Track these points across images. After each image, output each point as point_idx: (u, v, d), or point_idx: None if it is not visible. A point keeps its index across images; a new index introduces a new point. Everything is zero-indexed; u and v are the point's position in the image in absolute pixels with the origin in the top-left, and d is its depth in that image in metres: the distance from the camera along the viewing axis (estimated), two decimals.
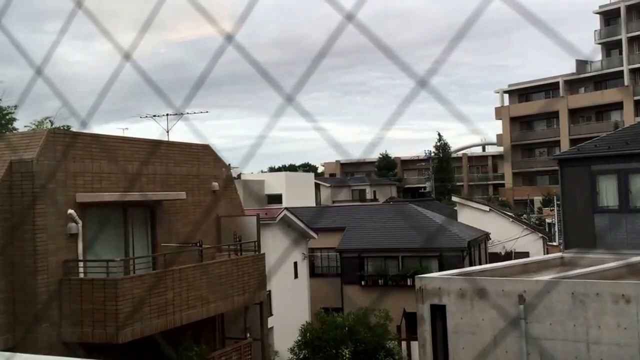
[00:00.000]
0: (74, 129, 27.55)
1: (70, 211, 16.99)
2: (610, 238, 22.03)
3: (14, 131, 33.83)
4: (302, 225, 32.89)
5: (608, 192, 22.70)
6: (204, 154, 22.87)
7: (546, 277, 15.95)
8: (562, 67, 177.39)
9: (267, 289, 25.53)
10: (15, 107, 36.62)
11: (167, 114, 40.43)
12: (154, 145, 20.92)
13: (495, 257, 40.62)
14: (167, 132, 40.78)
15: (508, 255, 41.49)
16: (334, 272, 39.53)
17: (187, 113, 39.27)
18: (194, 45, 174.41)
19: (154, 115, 39.37)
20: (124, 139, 20.02)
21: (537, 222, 60.09)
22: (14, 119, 37.12)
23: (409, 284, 33.58)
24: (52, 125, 35.89)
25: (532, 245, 43.67)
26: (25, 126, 36.59)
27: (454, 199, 52.61)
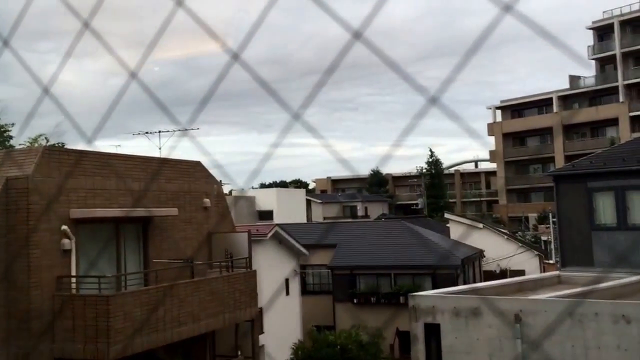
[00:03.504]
0: (68, 146, 27.89)
1: (64, 227, 17.19)
2: (608, 256, 22.23)
3: (11, 148, 34.17)
4: (293, 241, 33.07)
5: (605, 209, 22.86)
6: (195, 170, 23.08)
7: (543, 296, 16.13)
8: (553, 82, 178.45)
9: (259, 306, 25.68)
10: (13, 124, 37.26)
11: (159, 131, 40.79)
12: (146, 162, 21.11)
13: (490, 275, 40.81)
14: (159, 148, 41.01)
15: (503, 274, 41.66)
16: (325, 289, 39.65)
17: (180, 130, 39.45)
18: (185, 63, 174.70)
19: (147, 132, 39.67)
20: (117, 156, 20.27)
21: (532, 239, 60.29)
22: (11, 137, 37.80)
23: (401, 302, 33.74)
24: (47, 143, 36.28)
25: (527, 263, 43.84)
26: (20, 144, 37.03)
27: (447, 215, 52.83)
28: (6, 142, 37.25)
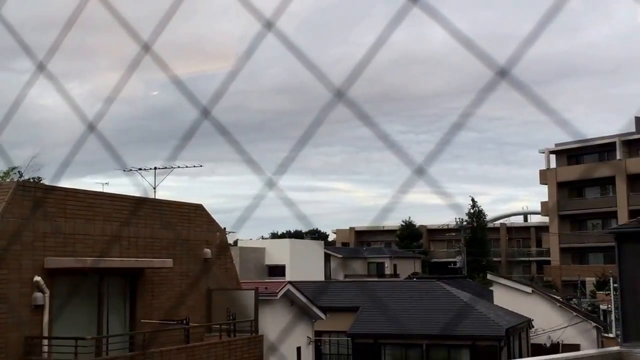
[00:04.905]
0: (45, 182, 27.85)
1: (37, 278, 16.99)
2: None
3: None
4: (307, 302, 32.78)
5: None
6: (195, 215, 22.93)
7: None
8: (616, 125, 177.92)
9: None
10: None
11: (155, 167, 40.43)
12: (137, 203, 20.98)
13: (538, 350, 40.28)
14: (154, 188, 40.86)
15: (554, 348, 41.14)
16: None
17: (179, 167, 39.30)
18: (188, 86, 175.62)
19: (140, 169, 39.38)
20: (103, 195, 20.13)
21: (589, 308, 59.62)
22: None
23: None
24: (20, 177, 36.28)
25: (583, 336, 43.27)
26: None
27: (490, 277, 52.39)
28: None
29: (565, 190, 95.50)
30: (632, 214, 74.84)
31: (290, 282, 32.99)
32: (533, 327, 43.22)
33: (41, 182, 30.91)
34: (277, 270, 55.09)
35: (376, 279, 66.67)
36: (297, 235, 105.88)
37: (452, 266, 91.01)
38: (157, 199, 23.63)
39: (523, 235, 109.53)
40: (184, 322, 21.04)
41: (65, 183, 18.10)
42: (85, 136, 3.72)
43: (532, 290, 47.19)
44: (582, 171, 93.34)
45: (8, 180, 34.92)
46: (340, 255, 79.91)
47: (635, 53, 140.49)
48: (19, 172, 37.64)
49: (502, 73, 2.13)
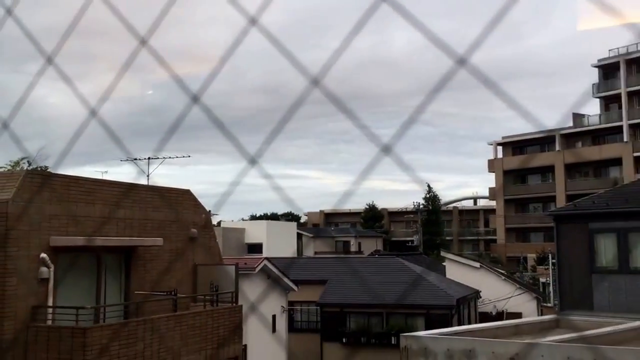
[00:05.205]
0: (51, 171, 27.85)
1: (43, 255, 17.06)
2: (608, 300, 22.15)
3: None
4: (281, 276, 32.93)
5: (607, 251, 22.81)
6: (183, 199, 22.99)
7: (540, 340, 16.03)
8: (555, 121, 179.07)
9: (243, 343, 25.47)
10: None
11: (149, 157, 40.59)
12: (132, 189, 21.02)
13: (485, 317, 40.67)
14: (148, 176, 40.90)
15: (499, 316, 41.55)
16: (314, 327, 39.43)
17: (169, 157, 39.76)
18: (176, 87, 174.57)
19: (135, 159, 39.45)
20: (102, 182, 20.16)
21: (530, 281, 60.21)
22: None
23: (393, 342, 33.52)
24: (29, 166, 36.20)
25: (525, 305, 43.76)
26: (0, 167, 36.88)
27: (443, 253, 52.79)
28: None
29: (511, 177, 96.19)
30: (569, 198, 75.50)
31: (266, 258, 33.11)
32: (481, 297, 43.64)
33: (47, 170, 30.87)
34: (256, 248, 55.18)
35: (342, 256, 66.85)
36: (273, 217, 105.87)
37: (409, 244, 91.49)
38: (150, 185, 23.68)
39: (473, 217, 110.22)
40: (173, 293, 21.14)
41: (68, 171, 18.13)
42: (88, 121, 3.80)
43: (480, 265, 47.61)
44: (525, 160, 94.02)
45: (18, 169, 34.84)
46: (311, 235, 79.99)
47: (571, 57, 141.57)
48: (27, 161, 37.55)
49: (461, 61, 2.21)
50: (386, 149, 2.34)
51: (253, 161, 2.74)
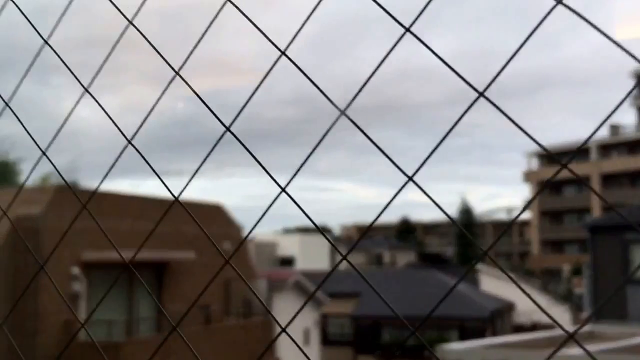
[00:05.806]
0: (81, 185, 28.08)
1: (75, 270, 17.17)
2: None
3: (21, 185, 34.53)
4: (314, 289, 32.92)
5: None
6: (216, 213, 23.07)
7: (574, 350, 15.85)
8: (591, 130, 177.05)
9: (276, 356, 25.46)
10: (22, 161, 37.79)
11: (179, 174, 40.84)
12: (164, 204, 21.14)
13: (520, 329, 40.31)
14: (181, 192, 41.12)
15: (534, 327, 41.17)
16: (347, 340, 39.30)
17: (202, 172, 39.87)
18: (209, 100, 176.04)
19: (167, 173, 39.72)
20: (132, 197, 20.28)
21: (565, 292, 59.63)
22: (21, 172, 38.22)
23: (426, 355, 33.33)
24: (59, 180, 36.63)
25: (560, 316, 43.29)
26: (29, 181, 37.28)
27: (477, 266, 52.43)
28: (16, 179, 37.64)
29: (546, 189, 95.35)
30: (605, 209, 74.69)
31: (299, 272, 33.11)
32: (515, 309, 43.27)
33: (77, 184, 31.20)
34: (288, 262, 55.22)
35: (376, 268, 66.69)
36: (306, 230, 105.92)
37: (443, 257, 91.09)
38: (182, 200, 23.78)
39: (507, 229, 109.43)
40: (206, 307, 21.19)
41: (101, 186, 18.23)
42: (123, 150, 3.82)
43: (512, 278, 47.22)
44: (561, 172, 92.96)
45: (49, 183, 35.27)
46: (344, 247, 79.90)
47: (607, 67, 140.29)
48: (59, 174, 37.97)
49: (483, 94, 2.20)
50: (411, 179, 2.34)
51: (283, 190, 2.74)
